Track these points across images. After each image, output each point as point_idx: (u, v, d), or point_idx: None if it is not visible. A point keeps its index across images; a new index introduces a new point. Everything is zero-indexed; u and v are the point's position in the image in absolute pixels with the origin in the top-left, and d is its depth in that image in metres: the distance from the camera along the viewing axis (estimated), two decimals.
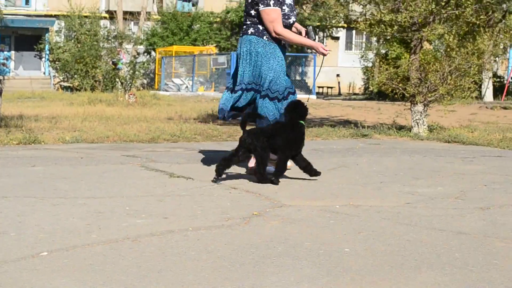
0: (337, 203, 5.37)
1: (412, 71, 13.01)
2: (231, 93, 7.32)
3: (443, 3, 12.62)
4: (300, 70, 48.33)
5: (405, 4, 12.69)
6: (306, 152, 8.01)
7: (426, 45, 14.54)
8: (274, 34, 7.01)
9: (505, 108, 24.59)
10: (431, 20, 12.90)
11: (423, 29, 12.90)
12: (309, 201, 5.45)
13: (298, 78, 46.40)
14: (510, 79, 37.33)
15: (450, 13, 12.87)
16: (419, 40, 13.20)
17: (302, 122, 6.56)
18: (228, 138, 11.37)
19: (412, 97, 12.96)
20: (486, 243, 4.13)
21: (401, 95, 13.26)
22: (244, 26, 7.24)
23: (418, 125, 12.90)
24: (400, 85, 13.11)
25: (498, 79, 40.49)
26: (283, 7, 7.09)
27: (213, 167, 7.31)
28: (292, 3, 7.24)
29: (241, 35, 7.30)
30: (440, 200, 5.58)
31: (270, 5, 6.96)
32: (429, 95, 12.82)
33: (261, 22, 7.07)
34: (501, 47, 37.48)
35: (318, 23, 42.23)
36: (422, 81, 12.85)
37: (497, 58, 39.26)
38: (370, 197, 5.69)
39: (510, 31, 29.46)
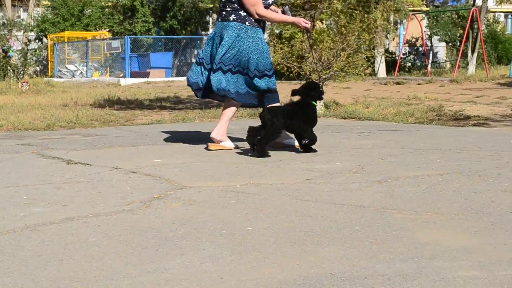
0: (237, 182, 5.38)
1: (306, 50, 13.13)
2: (205, 70, 7.54)
3: None
4: (195, 52, 48.18)
5: None
6: (203, 134, 7.99)
7: (318, 24, 14.70)
8: (256, 16, 7.25)
9: (398, 83, 25.09)
10: None
11: (315, 8, 13.03)
12: (210, 182, 5.45)
13: (193, 60, 46.25)
14: (401, 55, 38.09)
15: None
16: (311, 19, 13.32)
17: (314, 102, 7.22)
18: (126, 122, 11.27)
19: (307, 75, 13.09)
20: (385, 215, 4.21)
21: (296, 74, 13.38)
22: (224, 12, 7.42)
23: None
24: (295, 63, 13.22)
25: (390, 56, 41.32)
26: None
27: (112, 152, 7.25)
28: None
29: (219, 20, 7.45)
30: (338, 175, 5.65)
31: None
32: (324, 72, 12.98)
33: (242, 7, 7.28)
34: (392, 23, 38.23)
35: (211, 5, 42.18)
36: (316, 59, 12.99)
37: (388, 35, 39.99)
38: (270, 175, 5.72)
39: (400, 8, 30.02)
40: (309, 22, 7.50)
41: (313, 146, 7.10)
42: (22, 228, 3.98)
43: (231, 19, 7.32)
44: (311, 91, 7.13)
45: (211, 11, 45.70)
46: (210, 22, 48.65)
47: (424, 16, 45.03)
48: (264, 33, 7.48)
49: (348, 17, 13.26)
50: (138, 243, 3.64)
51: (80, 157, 6.86)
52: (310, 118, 7.12)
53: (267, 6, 7.34)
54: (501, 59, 46.40)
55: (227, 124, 7.46)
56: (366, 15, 13.42)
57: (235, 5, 7.28)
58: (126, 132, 9.42)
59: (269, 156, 6.78)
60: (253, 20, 7.29)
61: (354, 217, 4.17)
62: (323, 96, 7.48)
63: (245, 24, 7.29)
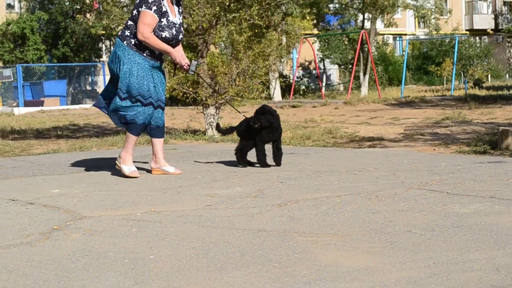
0: (138, 210, 5.35)
1: (201, 76, 13.18)
2: None
3: (226, 6, 12.86)
4: (90, 79, 47.67)
5: (189, 9, 12.82)
6: (104, 162, 7.93)
7: (212, 49, 14.77)
8: (140, 36, 7.20)
9: (293, 106, 25.42)
10: (214, 23, 13.12)
11: (209, 32, 13.09)
12: (110, 211, 5.39)
13: (89, 88, 45.74)
14: (295, 78, 38.58)
15: (234, 16, 13.14)
16: (204, 44, 13.38)
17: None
18: (21, 153, 11.06)
19: (204, 100, 13.12)
20: (287, 239, 4.25)
21: (192, 99, 13.39)
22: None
23: (212, 127, 13.09)
24: (191, 89, 13.24)
25: (284, 79, 41.82)
26: (162, 20, 7.26)
27: (8, 183, 7.10)
28: (176, 23, 7.42)
29: None
30: (239, 200, 5.68)
31: (151, 10, 7.20)
32: (220, 97, 13.03)
33: (134, 25, 7.31)
34: (285, 47, 38.72)
35: (103, 31, 41.84)
36: (211, 84, 13.04)
37: (282, 59, 40.47)
38: (171, 202, 5.71)
39: (291, 33, 30.45)
40: (189, 65, 7.51)
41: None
42: None
43: (119, 33, 7.57)
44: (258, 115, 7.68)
45: (103, 38, 45.33)
46: (103, 49, 48.22)
47: (315, 39, 45.78)
48: (159, 64, 7.51)
49: (244, 43, 13.36)
50: (39, 276, 3.58)
51: None
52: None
53: (160, 39, 7.31)
54: (392, 80, 47.60)
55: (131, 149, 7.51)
56: (261, 40, 13.56)
57: (129, 22, 7.42)
58: (22, 163, 9.25)
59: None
60: (133, 42, 7.31)
61: (256, 241, 4.20)
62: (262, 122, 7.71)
63: (123, 43, 7.36)
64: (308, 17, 39.83)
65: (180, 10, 7.56)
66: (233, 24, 13.21)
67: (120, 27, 14.83)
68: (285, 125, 15.12)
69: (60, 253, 4.06)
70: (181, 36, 7.52)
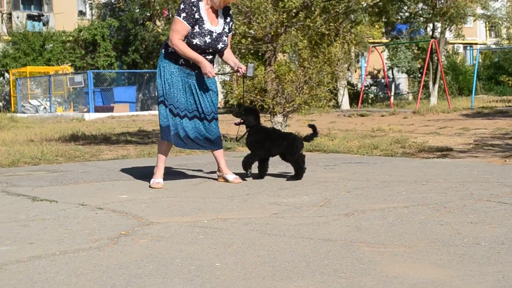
0: (205, 217, 5.38)
1: (269, 83, 13.19)
2: None
3: (293, 14, 12.85)
4: None
5: (256, 16, 12.85)
6: (171, 168, 7.99)
7: (280, 57, 14.79)
8: (170, 43, 7.22)
9: (361, 115, 25.27)
10: (282, 31, 13.11)
11: (276, 40, 13.09)
12: (177, 217, 5.43)
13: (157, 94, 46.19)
14: (364, 87, 38.39)
15: (301, 24, 13.13)
16: (273, 51, 13.39)
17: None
18: (91, 158, 11.22)
19: (271, 108, 13.13)
20: (353, 249, 4.23)
21: (260, 107, 13.41)
22: None
23: None
24: (258, 97, 13.27)
25: (352, 88, 41.62)
26: (195, 27, 7.20)
27: (78, 188, 7.21)
28: (214, 31, 7.30)
29: None
30: (306, 209, 5.67)
31: (180, 16, 7.17)
32: (287, 105, 13.03)
33: None
34: (353, 56, 38.60)
35: None
36: (279, 92, 13.05)
37: (350, 67, 40.33)
38: (238, 210, 5.73)
39: (359, 41, 30.30)
40: (213, 74, 7.35)
41: None
42: None
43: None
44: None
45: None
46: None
47: (384, 48, 45.48)
48: (191, 73, 7.37)
49: (309, 51, 13.34)
50: (107, 281, 3.62)
51: (46, 194, 6.82)
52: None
53: (206, 48, 7.28)
54: (462, 90, 46.97)
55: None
56: (326, 48, 13.51)
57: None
58: (92, 168, 9.38)
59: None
60: (169, 51, 7.33)
61: (322, 251, 4.19)
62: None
63: (162, 51, 7.44)
64: (377, 26, 39.61)
65: (228, 20, 7.43)
66: (300, 32, 13.19)
67: None
68: (353, 134, 15.05)
69: (128, 258, 4.10)
70: (220, 45, 7.36)
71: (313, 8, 13.04)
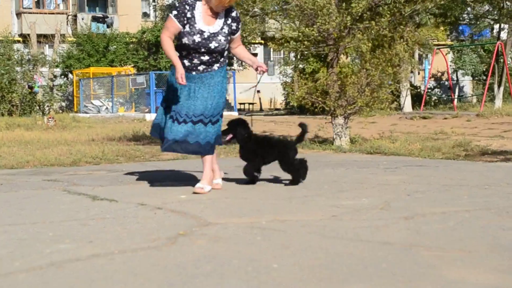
0: (263, 219, 5.36)
1: (330, 85, 13.13)
2: None
3: (357, 17, 12.76)
4: None
5: (319, 18, 12.79)
6: (230, 169, 8.01)
7: (342, 58, 14.70)
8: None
9: (424, 117, 25.03)
10: (345, 33, 13.03)
11: (340, 43, 13.02)
12: (235, 218, 5.43)
13: None
14: (427, 89, 38.04)
15: (365, 26, 13.02)
16: (335, 53, 13.32)
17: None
18: (151, 158, 11.30)
19: (332, 110, 13.07)
20: (412, 253, 4.17)
21: (321, 109, 13.36)
22: None
23: (340, 137, 13.02)
24: (320, 99, 13.22)
25: (415, 90, 41.27)
26: (186, 26, 7.05)
27: (137, 188, 7.27)
28: (206, 31, 7.08)
29: None
30: (365, 212, 5.61)
31: (172, 14, 7.11)
32: (349, 107, 12.96)
33: None
34: (416, 57, 38.25)
35: None
36: (341, 94, 12.98)
37: (413, 69, 39.97)
38: (296, 212, 5.70)
39: (423, 43, 29.93)
40: (183, 82, 7.01)
41: None
42: (48, 265, 3.97)
43: None
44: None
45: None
46: (234, 57, 48.84)
47: (449, 50, 44.99)
48: (189, 74, 7.12)
49: (372, 53, 13.23)
50: (164, 281, 3.63)
51: (106, 193, 6.88)
52: None
53: (197, 48, 7.08)
54: None
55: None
56: (389, 50, 13.38)
57: None
58: (152, 168, 9.44)
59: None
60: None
61: (380, 254, 4.14)
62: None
63: None
64: (441, 28, 39.22)
65: (229, 22, 7.16)
66: (363, 34, 13.09)
67: (250, 37, 14.96)
68: (414, 137, 14.90)
69: (185, 259, 4.10)
70: (213, 44, 7.06)
71: (378, 10, 12.93)
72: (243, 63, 49.85)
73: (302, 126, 7.66)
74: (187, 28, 7.05)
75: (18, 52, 41.07)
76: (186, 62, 7.15)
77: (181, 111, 7.09)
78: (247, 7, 14.01)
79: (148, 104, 33.31)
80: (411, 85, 39.61)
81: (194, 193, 6.89)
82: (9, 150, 12.96)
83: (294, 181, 7.40)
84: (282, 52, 49.78)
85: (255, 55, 51.54)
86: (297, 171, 7.41)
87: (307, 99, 13.40)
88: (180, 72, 6.98)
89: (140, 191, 7.08)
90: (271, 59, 54.24)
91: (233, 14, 7.22)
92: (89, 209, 6.00)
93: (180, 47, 7.17)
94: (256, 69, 7.27)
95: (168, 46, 7.12)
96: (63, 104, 44.83)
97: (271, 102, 51.89)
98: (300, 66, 36.25)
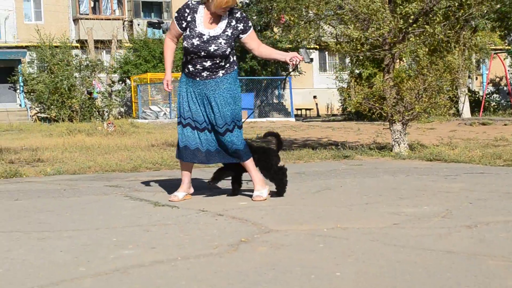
0: (324, 226, 5.35)
1: (387, 91, 13.05)
2: None
3: (410, 21, 12.67)
4: (276, 93, 48.46)
5: (374, 22, 12.72)
6: (289, 175, 8.01)
7: (398, 63, 14.60)
8: None
9: (483, 124, 24.73)
10: (400, 38, 12.94)
11: (395, 48, 12.94)
12: (296, 225, 5.43)
13: (275, 101, 46.48)
14: (485, 95, 37.61)
15: (420, 31, 12.92)
16: (391, 58, 13.25)
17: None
18: (210, 164, 11.33)
19: (389, 116, 13.00)
20: (477, 262, 4.13)
21: (378, 115, 13.29)
22: None
23: (398, 144, 12.94)
24: (377, 104, 13.15)
25: (473, 95, 40.82)
26: (187, 30, 6.98)
27: (198, 194, 7.31)
28: (205, 33, 6.94)
29: None
30: (426, 220, 5.57)
31: (174, 17, 7.10)
32: (406, 113, 12.87)
33: None
34: (474, 63, 37.83)
35: (290, 45, 42.47)
36: (398, 100, 12.90)
37: (471, 74, 39.55)
38: (357, 219, 5.68)
39: (481, 48, 29.63)
40: (169, 89, 7.16)
41: None
42: (113, 271, 4.03)
43: None
44: None
45: (290, 51, 45.91)
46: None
47: (506, 55, 44.42)
48: (195, 80, 7.02)
49: (428, 58, 13.12)
50: (227, 287, 3.65)
51: (167, 199, 6.94)
52: None
53: (197, 51, 6.94)
54: None
55: None
56: (446, 55, 13.24)
57: None
58: (211, 175, 9.47)
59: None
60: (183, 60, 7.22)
61: (444, 263, 4.10)
62: None
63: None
64: (498, 32, 38.74)
65: (233, 24, 6.99)
66: (419, 39, 12.99)
67: (305, 42, 14.94)
68: (474, 143, 14.73)
69: (247, 266, 4.12)
70: (213, 47, 6.87)
71: (431, 15, 12.82)
72: (298, 68, 50.09)
73: (271, 134, 7.60)
74: (187, 31, 6.98)
75: (76, 58, 41.74)
76: (190, 68, 7.04)
77: (197, 118, 6.99)
78: (301, 12, 14.00)
79: None
80: (469, 90, 39.19)
81: (170, 200, 6.91)
82: (71, 156, 13.16)
83: (280, 192, 7.16)
84: (337, 57, 49.74)
85: (310, 60, 51.58)
86: (281, 180, 7.15)
87: (364, 105, 13.34)
88: (167, 78, 7.09)
89: (201, 198, 7.13)
90: (327, 64, 54.11)
91: (237, 15, 7.05)
92: (151, 215, 6.06)
93: (184, 52, 7.08)
94: (290, 61, 7.06)
95: (166, 48, 7.21)
96: (122, 109, 45.31)
97: (328, 107, 51.80)
98: (356, 71, 36.13)
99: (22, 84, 44.55)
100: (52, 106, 39.93)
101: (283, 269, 4.03)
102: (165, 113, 37.24)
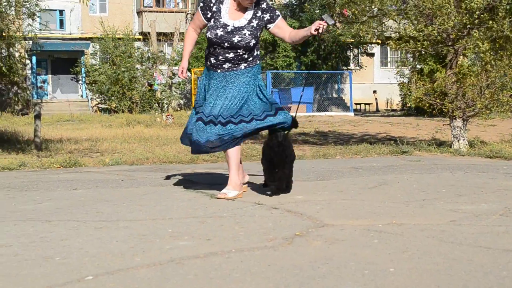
0: (380, 221, 5.32)
1: (449, 86, 12.91)
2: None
3: (475, 16, 12.49)
4: (336, 87, 48.30)
5: (438, 18, 12.58)
6: (346, 170, 7.98)
7: (461, 59, 14.42)
8: None
9: None
10: (465, 33, 12.78)
11: (458, 43, 12.78)
12: (352, 220, 5.41)
13: (335, 95, 46.33)
14: None
15: (484, 26, 12.74)
16: (454, 54, 13.09)
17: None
18: None
19: (450, 112, 12.86)
20: None
21: (439, 111, 13.16)
22: None
23: (458, 140, 12.80)
24: (438, 100, 13.02)
25: None
26: (211, 20, 6.90)
27: (254, 187, 7.32)
28: (229, 24, 6.87)
29: None
30: (484, 217, 5.50)
31: (199, 6, 7.07)
32: (467, 110, 12.72)
33: None
34: None
35: (352, 40, 42.33)
36: (459, 96, 12.75)
37: None
38: (413, 215, 5.63)
39: None
40: (183, 76, 7.05)
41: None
42: (168, 261, 4.06)
43: None
44: None
45: (351, 46, 45.71)
46: (351, 57, 48.69)
47: None
48: (217, 74, 6.90)
49: (493, 54, 12.93)
50: (281, 281, 3.65)
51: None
52: None
53: (220, 42, 6.84)
54: None
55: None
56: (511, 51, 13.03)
57: None
58: None
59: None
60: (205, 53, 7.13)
61: (501, 261, 4.05)
62: None
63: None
64: None
65: (259, 14, 6.92)
66: (483, 34, 12.80)
67: (369, 36, 14.85)
68: None
69: (302, 259, 4.12)
70: (237, 38, 6.78)
71: (496, 11, 12.63)
72: (359, 63, 49.83)
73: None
74: (211, 22, 6.91)
75: (138, 50, 42.12)
76: (212, 60, 6.92)
77: (208, 111, 6.80)
78: (364, 6, 13.91)
79: None
80: None
81: (217, 198, 6.66)
82: (130, 147, 13.30)
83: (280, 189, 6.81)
84: (398, 52, 49.35)
85: (372, 54, 51.29)
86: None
87: (424, 101, 13.22)
88: (182, 65, 7.03)
89: (256, 191, 7.13)
90: (388, 58, 53.75)
91: (263, 5, 6.96)
92: (207, 207, 6.09)
93: (208, 43, 6.99)
94: (316, 31, 6.79)
95: (187, 37, 7.18)
96: (181, 102, 45.62)
97: (387, 102, 51.46)
98: (418, 66, 35.79)
99: (84, 75, 45.17)
100: (112, 97, 40.44)
101: (337, 263, 4.01)
102: None
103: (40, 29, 42.40)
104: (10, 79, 42.06)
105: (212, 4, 6.94)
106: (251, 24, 6.87)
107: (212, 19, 6.91)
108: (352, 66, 48.93)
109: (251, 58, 6.94)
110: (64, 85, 47.53)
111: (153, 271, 3.84)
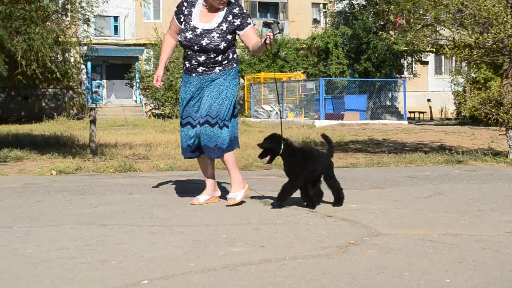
0: (435, 231, 5.28)
1: (505, 96, 12.74)
2: None
3: None
4: (390, 95, 48.02)
5: (494, 27, 12.43)
6: (400, 179, 7.93)
7: None
8: None
9: None
10: None
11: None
12: (406, 229, 5.38)
13: (388, 103, 46.08)
14: None
15: None
16: (511, 64, 12.92)
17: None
18: None
19: (506, 122, 12.70)
20: None
21: (495, 120, 13.01)
22: None
23: None
24: (494, 110, 12.87)
25: None
26: (183, 24, 6.86)
27: None
28: (198, 27, 6.79)
29: None
30: None
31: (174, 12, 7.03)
32: None
33: None
34: None
35: (406, 48, 42.08)
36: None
37: None
38: (469, 226, 5.57)
39: None
40: (158, 85, 6.89)
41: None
42: (222, 267, 4.08)
43: None
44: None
45: (405, 54, 45.42)
46: (405, 65, 48.38)
47: None
48: (192, 76, 6.83)
49: None
50: None
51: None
52: None
53: (190, 45, 6.79)
54: None
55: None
56: None
57: None
58: None
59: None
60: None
61: None
62: None
63: None
64: None
65: (230, 19, 6.79)
66: None
67: (423, 44, 14.73)
68: None
69: (356, 268, 4.10)
70: (205, 41, 6.68)
71: None
72: (413, 71, 49.49)
73: (325, 137, 6.95)
74: (183, 25, 6.87)
75: None
76: (187, 64, 6.87)
77: (189, 115, 6.80)
78: (418, 15, 13.81)
79: (318, 110, 33.46)
80: None
81: (192, 204, 6.68)
82: None
83: (339, 202, 6.63)
84: (453, 60, 48.92)
85: (426, 63, 50.90)
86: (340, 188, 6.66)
87: (479, 110, 13.07)
88: (157, 73, 6.92)
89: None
90: (442, 67, 53.34)
91: (235, 10, 6.85)
92: (261, 213, 6.10)
93: (182, 47, 6.94)
94: (265, 42, 6.56)
95: (164, 44, 7.13)
96: None
97: (441, 111, 51.02)
98: (472, 75, 35.46)
99: (138, 80, 45.53)
100: (166, 103, 40.69)
101: (392, 273, 3.99)
102: (277, 113, 37.40)
103: (95, 35, 42.90)
104: (66, 84, 42.58)
105: (184, 8, 6.93)
106: (221, 27, 6.78)
107: (184, 22, 6.89)
108: (406, 74, 48.62)
109: (225, 62, 6.84)
110: (118, 90, 47.99)
111: (207, 277, 3.86)
